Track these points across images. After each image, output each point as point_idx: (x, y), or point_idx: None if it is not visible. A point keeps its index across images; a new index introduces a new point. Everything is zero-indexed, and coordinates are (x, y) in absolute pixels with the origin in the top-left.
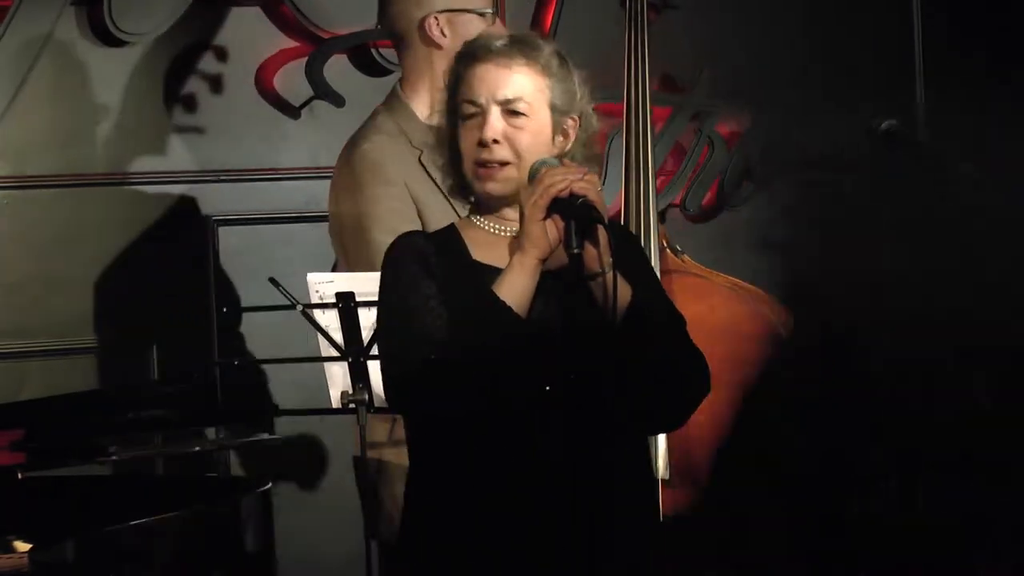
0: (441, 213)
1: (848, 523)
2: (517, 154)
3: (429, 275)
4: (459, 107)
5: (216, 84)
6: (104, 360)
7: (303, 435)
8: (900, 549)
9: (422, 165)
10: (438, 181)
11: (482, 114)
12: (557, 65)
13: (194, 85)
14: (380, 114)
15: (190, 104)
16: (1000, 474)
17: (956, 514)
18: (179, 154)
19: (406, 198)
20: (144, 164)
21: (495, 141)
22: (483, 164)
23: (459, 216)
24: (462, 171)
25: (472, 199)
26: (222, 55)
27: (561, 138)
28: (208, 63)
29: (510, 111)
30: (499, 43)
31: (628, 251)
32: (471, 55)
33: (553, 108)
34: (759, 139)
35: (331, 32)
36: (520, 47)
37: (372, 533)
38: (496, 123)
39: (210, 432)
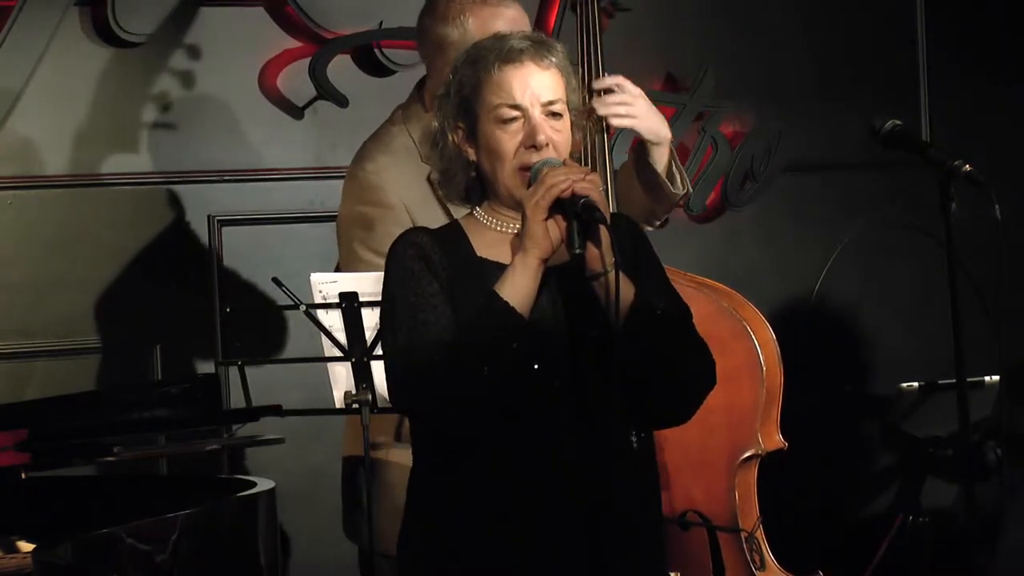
0: None
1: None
2: (559, 156)
3: (433, 272)
4: (492, 111)
5: (219, 84)
6: (108, 360)
7: (304, 435)
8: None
9: (430, 183)
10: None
11: (524, 118)
12: (569, 64)
13: (198, 85)
14: (396, 123)
15: (194, 104)
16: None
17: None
18: (183, 154)
19: (403, 220)
20: (148, 164)
21: (545, 144)
22: (530, 168)
23: None
24: (497, 176)
25: (475, 204)
26: (225, 55)
27: (578, 136)
28: (211, 63)
29: (551, 113)
30: (523, 43)
31: (634, 242)
32: (497, 57)
33: (571, 107)
34: (762, 139)
35: (334, 32)
36: (543, 47)
37: (354, 536)
38: (544, 126)
39: (214, 432)
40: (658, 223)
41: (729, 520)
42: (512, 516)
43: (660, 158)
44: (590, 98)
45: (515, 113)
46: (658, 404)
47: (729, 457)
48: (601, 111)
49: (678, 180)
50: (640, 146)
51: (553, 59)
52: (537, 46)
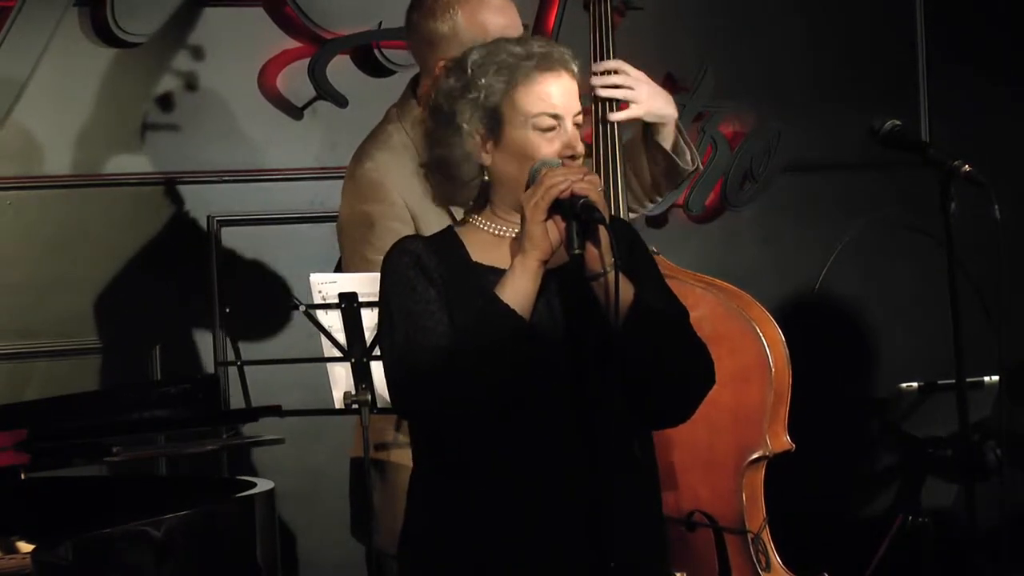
0: (439, 225)
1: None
2: (580, 164)
3: (428, 279)
4: (532, 119)
5: (219, 84)
6: (108, 360)
7: (304, 435)
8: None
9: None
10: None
11: (561, 128)
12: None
13: (197, 85)
14: (391, 122)
15: (193, 104)
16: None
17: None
18: (182, 154)
19: (404, 217)
20: (148, 164)
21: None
22: None
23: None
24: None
25: (477, 208)
26: (225, 56)
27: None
28: (211, 63)
29: (576, 124)
30: (553, 49)
31: (630, 246)
32: (534, 64)
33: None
34: (762, 139)
35: (334, 33)
36: (567, 56)
37: (362, 536)
38: (577, 135)
39: (213, 433)
40: (660, 199)
41: (735, 521)
42: (512, 517)
43: (668, 135)
44: (596, 97)
45: (554, 123)
46: (657, 404)
47: (737, 458)
48: (601, 93)
49: (687, 155)
50: (645, 125)
51: (574, 67)
52: (562, 53)
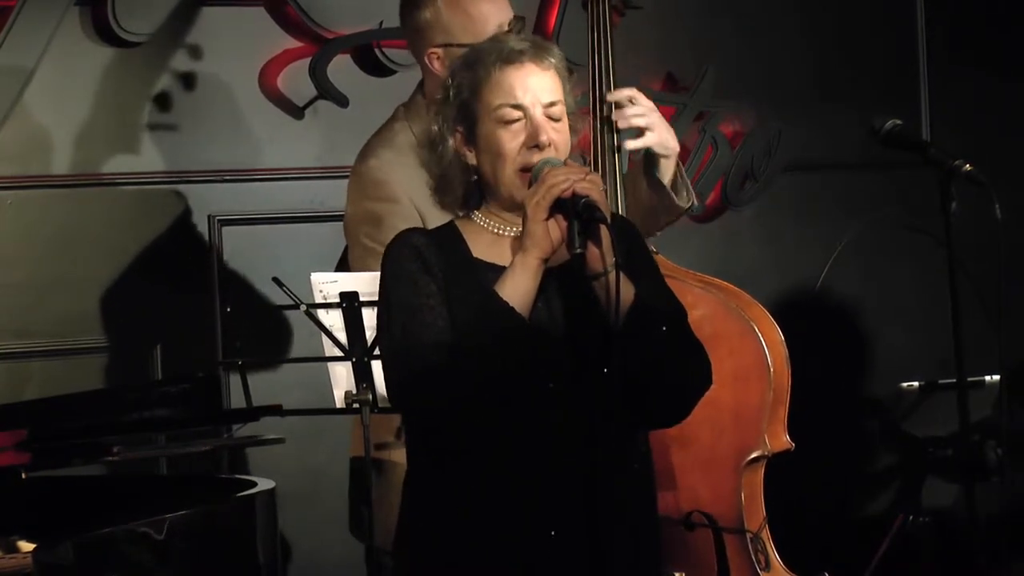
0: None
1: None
2: (559, 157)
3: (429, 273)
4: (494, 112)
5: (220, 84)
6: (108, 360)
7: (304, 435)
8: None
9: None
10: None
11: (526, 118)
12: (566, 67)
13: (198, 85)
14: (398, 120)
15: (194, 104)
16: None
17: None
18: (183, 154)
19: (412, 215)
20: (148, 164)
21: (547, 145)
22: (531, 169)
23: None
24: (498, 177)
25: (472, 209)
26: (225, 55)
27: (574, 138)
28: (212, 63)
29: (549, 116)
30: (522, 44)
31: (629, 244)
32: (497, 58)
33: (568, 109)
34: (762, 139)
35: (335, 32)
36: (542, 49)
37: (361, 534)
38: (546, 126)
39: (214, 432)
40: (659, 232)
41: (735, 521)
42: (508, 516)
43: (667, 170)
44: (595, 97)
45: (517, 114)
46: (655, 404)
47: (736, 458)
48: (621, 124)
49: (684, 193)
50: (648, 157)
51: (552, 60)
52: (536, 47)
